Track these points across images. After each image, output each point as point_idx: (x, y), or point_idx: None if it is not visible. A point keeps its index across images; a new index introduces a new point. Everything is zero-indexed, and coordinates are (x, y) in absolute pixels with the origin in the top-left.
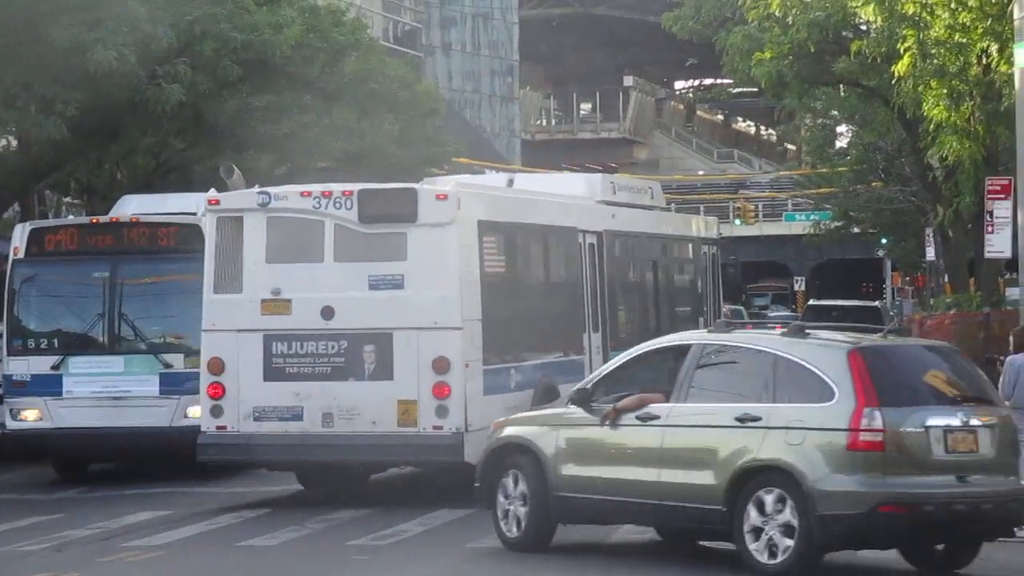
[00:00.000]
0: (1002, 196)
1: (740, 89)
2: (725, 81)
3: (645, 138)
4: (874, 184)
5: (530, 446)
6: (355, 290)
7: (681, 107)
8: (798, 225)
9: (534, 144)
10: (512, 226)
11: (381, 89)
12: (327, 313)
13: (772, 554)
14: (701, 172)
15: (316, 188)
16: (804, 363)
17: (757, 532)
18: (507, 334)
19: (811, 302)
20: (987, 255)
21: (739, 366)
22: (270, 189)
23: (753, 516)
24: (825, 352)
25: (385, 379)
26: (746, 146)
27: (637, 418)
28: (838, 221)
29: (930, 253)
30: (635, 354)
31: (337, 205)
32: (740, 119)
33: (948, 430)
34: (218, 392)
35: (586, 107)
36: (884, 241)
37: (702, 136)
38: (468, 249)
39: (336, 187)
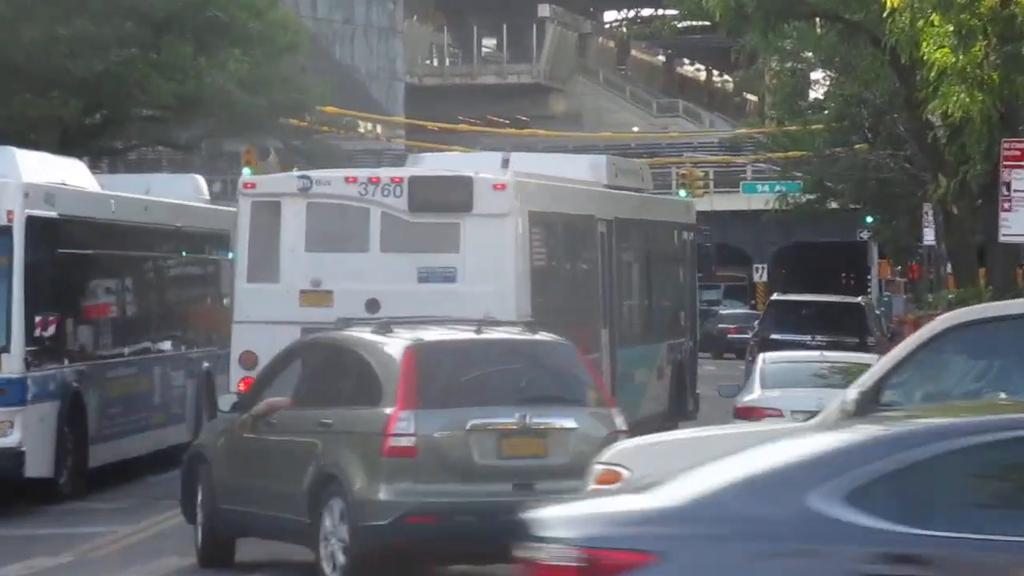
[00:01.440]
0: (1022, 163)
1: (687, 23)
2: (668, 12)
3: (564, 84)
4: (857, 147)
5: (205, 454)
6: (403, 282)
7: (611, 45)
8: (759, 198)
9: (422, 91)
10: (552, 216)
11: (224, 18)
12: (372, 306)
13: (334, 567)
14: (636, 129)
15: (362, 174)
16: (372, 363)
17: (327, 543)
18: (551, 332)
19: (775, 297)
20: (1001, 238)
21: (337, 367)
22: (311, 173)
23: (327, 527)
24: (387, 351)
25: None
26: (694, 96)
27: (266, 424)
28: (810, 193)
29: (928, 235)
30: (285, 352)
31: (385, 192)
32: (686, 61)
33: (503, 433)
34: None
35: (490, 44)
36: (869, 220)
37: (637, 83)
38: (522, 241)
39: (384, 173)
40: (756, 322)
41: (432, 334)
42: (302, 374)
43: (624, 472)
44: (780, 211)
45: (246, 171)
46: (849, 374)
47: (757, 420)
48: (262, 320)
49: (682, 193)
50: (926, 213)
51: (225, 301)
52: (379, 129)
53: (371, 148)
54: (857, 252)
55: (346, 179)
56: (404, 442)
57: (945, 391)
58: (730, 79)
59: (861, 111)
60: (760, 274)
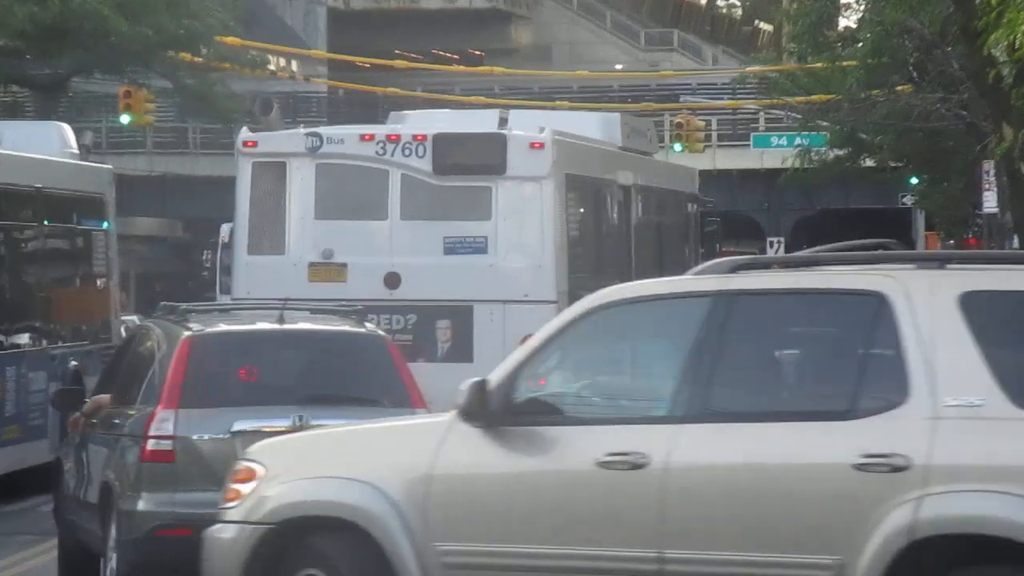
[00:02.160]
0: None
1: None
2: None
3: (529, 10)
4: (899, 89)
5: (60, 458)
6: (426, 254)
7: None
8: (774, 155)
9: (349, 17)
10: (586, 182)
11: None
12: (392, 281)
13: None
14: (619, 67)
15: (380, 131)
16: (159, 356)
17: (107, 560)
18: None
19: None
20: None
21: (143, 359)
22: (321, 130)
23: (110, 541)
24: (171, 342)
25: (463, 361)
26: (693, 25)
27: (89, 425)
28: (839, 148)
29: (988, 201)
30: (124, 339)
31: (406, 152)
32: None
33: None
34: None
35: None
36: (914, 182)
37: (621, 8)
38: (561, 208)
39: (405, 130)
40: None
41: (226, 324)
42: (123, 367)
43: (260, 469)
44: (801, 171)
45: (244, 129)
46: None
47: None
48: (266, 298)
49: (677, 148)
50: (986, 173)
51: (100, 283)
52: (295, 66)
53: (285, 90)
54: (899, 223)
55: (361, 137)
56: (162, 446)
57: (587, 377)
58: (738, 4)
59: (904, 44)
60: (776, 250)
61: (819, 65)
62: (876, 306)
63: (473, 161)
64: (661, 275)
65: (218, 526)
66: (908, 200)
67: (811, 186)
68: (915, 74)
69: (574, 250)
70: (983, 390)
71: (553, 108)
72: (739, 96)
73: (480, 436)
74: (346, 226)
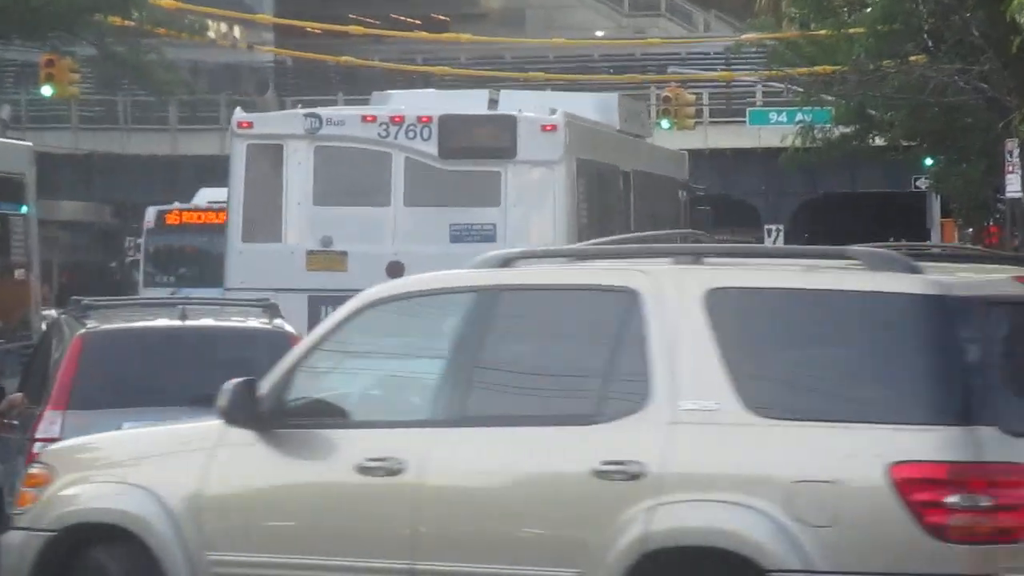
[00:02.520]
0: None
1: None
2: None
3: None
4: (913, 59)
5: None
6: (432, 242)
7: None
8: (772, 132)
9: None
10: (593, 167)
11: None
12: (395, 271)
13: None
14: (600, 34)
15: (383, 112)
16: (56, 354)
17: None
18: None
19: None
20: None
21: (48, 357)
22: (321, 111)
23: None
24: (68, 339)
25: None
26: None
27: (7, 425)
28: (846, 125)
29: (1012, 184)
30: (44, 333)
31: (411, 134)
32: None
33: None
34: None
35: None
36: (929, 163)
37: None
38: (573, 194)
39: (410, 111)
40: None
41: (123, 322)
42: (36, 365)
43: (51, 473)
44: (803, 150)
45: (238, 110)
46: None
47: None
48: (261, 287)
49: (664, 124)
50: (1009, 153)
51: (18, 274)
52: (238, 33)
53: (227, 61)
54: (912, 208)
55: (363, 118)
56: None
57: (359, 377)
58: None
59: (918, 8)
60: (775, 238)
61: (823, 32)
62: (628, 304)
63: (481, 144)
64: None
65: (10, 532)
66: (922, 183)
67: (814, 168)
68: (930, 42)
69: (583, 240)
70: (718, 394)
71: (526, 80)
72: (734, 67)
73: (253, 440)
74: (346, 212)
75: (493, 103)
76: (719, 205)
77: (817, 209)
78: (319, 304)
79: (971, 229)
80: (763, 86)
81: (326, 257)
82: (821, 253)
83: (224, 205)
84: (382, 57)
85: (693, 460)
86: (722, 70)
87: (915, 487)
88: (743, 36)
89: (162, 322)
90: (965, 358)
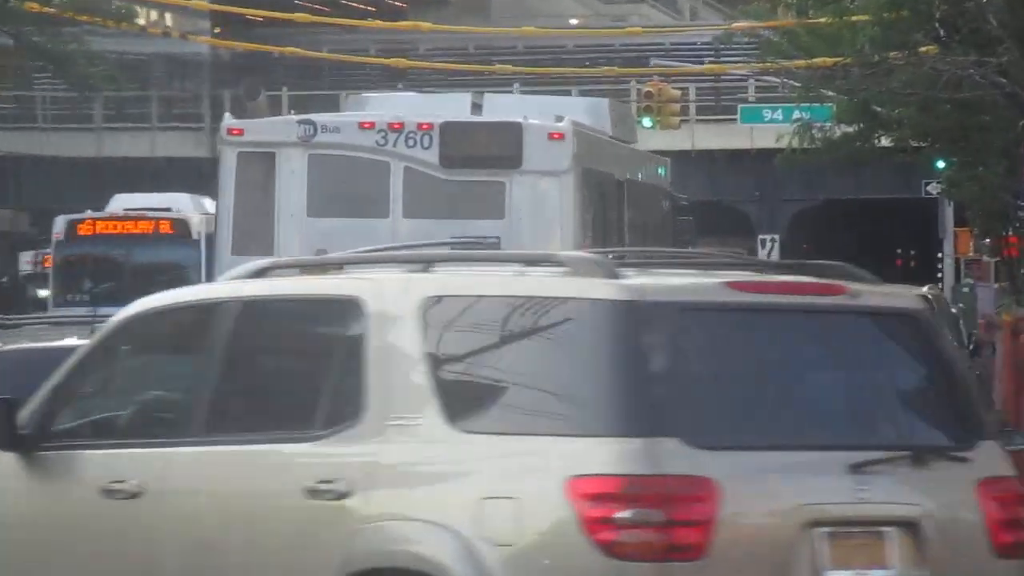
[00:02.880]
0: None
1: None
2: None
3: None
4: (924, 50)
5: None
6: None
7: None
8: (766, 131)
9: None
10: (596, 177)
11: None
12: None
13: None
14: (575, 22)
15: (381, 118)
16: None
17: None
18: None
19: None
20: None
21: None
22: (315, 117)
23: None
24: None
25: None
26: None
27: None
28: (848, 124)
29: None
30: None
31: (410, 142)
32: None
33: None
34: None
35: None
36: (941, 166)
37: None
38: (580, 206)
39: (410, 118)
40: None
41: (28, 341)
42: None
43: None
44: (801, 151)
45: (227, 116)
46: None
47: None
48: None
49: (647, 122)
50: None
51: None
52: (170, 20)
53: (159, 51)
54: (922, 216)
55: (360, 124)
56: None
57: (120, 394)
58: None
59: None
60: (769, 250)
61: (823, 20)
62: (352, 314)
63: (485, 153)
64: None
65: None
66: (934, 188)
67: (813, 171)
68: (942, 31)
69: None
70: (424, 407)
71: (492, 73)
72: (723, 59)
73: (14, 462)
74: (342, 224)
75: (476, 107)
76: (708, 213)
77: (817, 217)
78: None
79: (988, 239)
80: (756, 80)
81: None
82: (534, 259)
83: (143, 213)
84: (332, 48)
85: (394, 478)
86: (710, 62)
87: (589, 502)
88: (734, 25)
89: (67, 341)
90: (650, 367)
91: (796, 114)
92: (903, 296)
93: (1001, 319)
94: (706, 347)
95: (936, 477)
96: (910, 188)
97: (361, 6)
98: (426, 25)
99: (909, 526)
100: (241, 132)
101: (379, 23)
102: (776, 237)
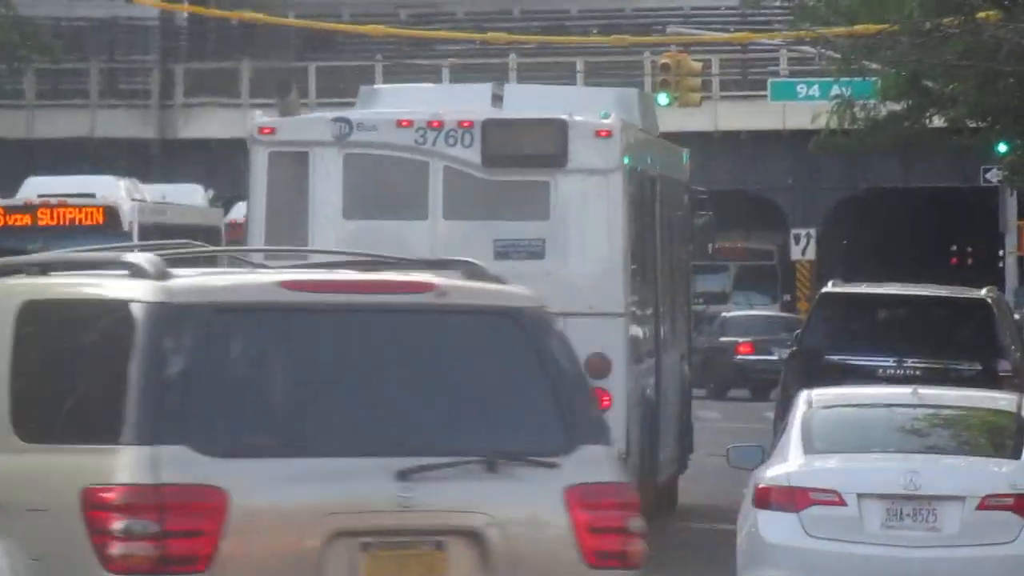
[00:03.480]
0: None
1: None
2: None
3: None
4: (981, 16)
5: None
6: (474, 258)
7: None
8: (800, 110)
9: None
10: (639, 175)
11: None
12: None
13: None
14: None
15: (419, 116)
16: None
17: None
18: (643, 325)
19: (830, 288)
20: None
21: None
22: (351, 115)
23: None
24: None
25: None
26: None
27: None
28: (895, 101)
29: None
30: None
31: (451, 140)
32: None
33: None
34: None
35: None
36: (1003, 150)
37: None
38: (627, 207)
39: (449, 116)
40: (795, 334)
41: None
42: None
43: None
44: (840, 133)
45: (258, 113)
46: (969, 430)
47: (793, 508)
48: None
49: (662, 99)
50: None
51: None
52: None
53: (100, 16)
54: (980, 207)
55: (398, 122)
56: None
57: None
58: None
59: None
60: (804, 246)
61: None
62: None
63: (529, 151)
64: (674, 283)
65: None
66: (994, 176)
67: (855, 155)
68: None
69: (633, 256)
70: (3, 417)
71: (484, 42)
72: (752, 26)
73: None
74: (379, 226)
75: (497, 99)
76: (733, 203)
77: (858, 209)
78: None
79: None
80: (789, 51)
81: None
82: (103, 260)
83: (64, 200)
84: (299, 13)
85: None
86: (736, 30)
87: (96, 512)
88: None
89: None
90: (168, 371)
91: (835, 90)
92: (504, 294)
93: None
94: (249, 350)
95: (514, 484)
96: (967, 176)
97: None
98: None
99: (471, 536)
100: (272, 131)
101: None
102: (812, 232)
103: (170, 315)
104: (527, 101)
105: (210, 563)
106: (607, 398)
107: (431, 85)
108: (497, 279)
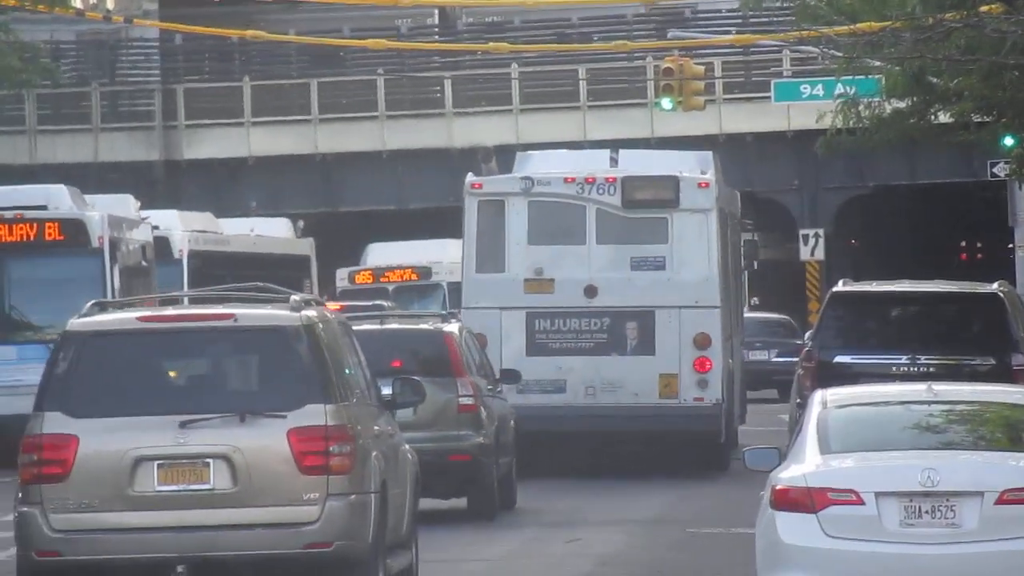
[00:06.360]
0: None
1: None
2: None
3: None
4: (986, 10)
5: None
6: (617, 271)
7: None
8: (804, 110)
9: None
10: (725, 213)
11: None
12: (591, 292)
13: None
14: None
15: (579, 175)
16: None
17: None
18: (727, 316)
19: (840, 287)
20: None
21: None
22: (533, 175)
23: None
24: None
25: (647, 354)
26: None
27: None
28: (900, 99)
29: None
30: None
31: (600, 191)
32: None
33: None
34: None
35: None
36: (1009, 144)
37: None
38: (719, 234)
39: (600, 174)
40: (807, 334)
41: None
42: None
43: None
44: (846, 132)
45: (469, 175)
46: (985, 424)
47: (811, 509)
48: (491, 306)
49: (666, 104)
50: None
51: None
52: (111, 2)
53: (96, 32)
54: (989, 202)
55: (565, 179)
56: None
57: None
58: None
59: None
60: (813, 246)
61: None
62: None
63: (653, 197)
64: (738, 288)
65: None
66: (1001, 170)
67: (861, 154)
68: None
69: (722, 268)
70: None
71: (485, 52)
72: (753, 28)
73: None
74: (553, 249)
75: (613, 160)
76: (742, 206)
77: (866, 208)
78: (534, 318)
79: None
80: (792, 51)
81: (539, 282)
82: None
83: (21, 215)
84: (299, 30)
85: None
86: (738, 32)
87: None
88: None
89: None
90: (55, 370)
91: (839, 89)
92: (275, 317)
93: None
94: (110, 357)
95: (255, 428)
96: (974, 171)
97: None
98: (407, 0)
99: (224, 458)
100: (481, 186)
101: None
102: (820, 232)
103: (63, 338)
104: (634, 161)
105: (68, 475)
106: (709, 363)
107: (566, 151)
108: (295, 305)
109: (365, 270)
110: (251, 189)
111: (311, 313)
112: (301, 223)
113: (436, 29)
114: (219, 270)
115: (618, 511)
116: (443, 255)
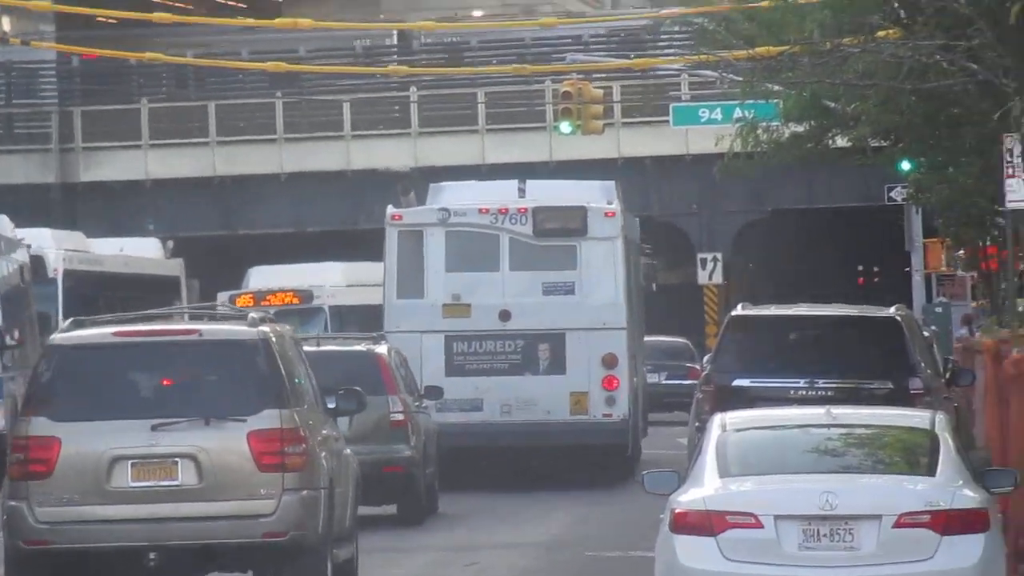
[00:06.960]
0: None
1: None
2: None
3: None
4: (882, 35)
5: None
6: (530, 296)
7: None
8: (703, 134)
9: None
10: (628, 240)
11: None
12: (504, 316)
13: None
14: (478, 13)
15: (493, 206)
16: None
17: None
18: (632, 337)
19: (738, 311)
20: None
21: None
22: (448, 206)
23: None
24: None
25: (558, 374)
26: None
27: None
28: (797, 123)
29: (1014, 191)
30: None
31: (513, 221)
32: None
33: None
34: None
35: None
36: (906, 168)
37: None
38: (624, 260)
39: (512, 205)
40: (706, 358)
41: None
42: None
43: None
44: (745, 156)
45: (390, 207)
46: (883, 448)
47: (710, 532)
48: (411, 330)
49: (565, 128)
50: (1009, 152)
51: None
52: (7, 24)
53: None
54: (886, 227)
55: (479, 210)
56: None
57: None
58: None
59: None
60: (711, 270)
61: (765, 3)
62: None
63: (563, 227)
64: (641, 310)
65: None
66: (898, 194)
67: (759, 179)
68: (903, 12)
69: (627, 292)
70: None
71: (385, 75)
72: (652, 52)
73: None
74: (470, 276)
75: (521, 191)
76: (640, 230)
77: (765, 231)
78: (452, 341)
79: (963, 251)
80: (690, 76)
81: (456, 308)
82: None
83: None
84: (197, 52)
85: None
86: (637, 56)
87: (11, 450)
88: (662, 12)
89: None
90: (40, 379)
91: (737, 113)
92: (235, 332)
93: (980, 341)
94: (88, 368)
95: (218, 431)
96: (871, 195)
97: (231, 2)
98: (306, 22)
99: (191, 457)
100: (400, 217)
101: (251, 21)
102: (718, 256)
103: (46, 350)
104: (542, 191)
105: (52, 473)
106: (616, 381)
107: (474, 182)
108: (252, 321)
109: (246, 293)
110: (148, 212)
111: (266, 328)
112: (171, 243)
113: (395, 50)
114: (92, 290)
115: (521, 532)
116: (325, 279)
